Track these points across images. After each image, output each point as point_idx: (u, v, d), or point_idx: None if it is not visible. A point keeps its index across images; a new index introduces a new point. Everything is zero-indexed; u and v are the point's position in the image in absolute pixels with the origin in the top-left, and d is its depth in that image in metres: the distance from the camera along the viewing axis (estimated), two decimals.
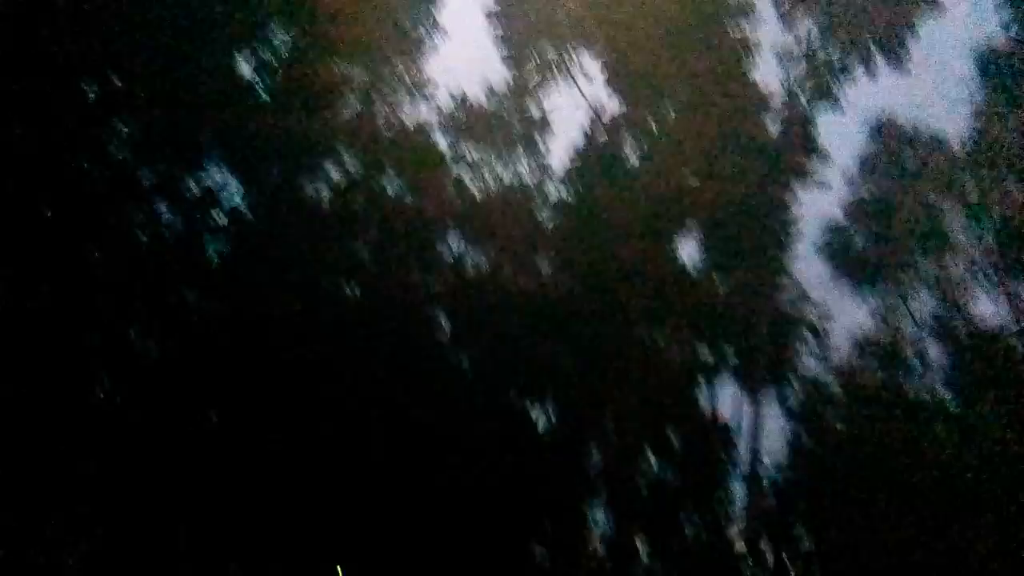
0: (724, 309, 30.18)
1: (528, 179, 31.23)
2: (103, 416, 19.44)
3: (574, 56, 31.56)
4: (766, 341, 29.73)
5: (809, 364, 31.49)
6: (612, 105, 30.67)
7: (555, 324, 27.29)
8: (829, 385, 31.02)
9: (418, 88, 30.22)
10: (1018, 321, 27.87)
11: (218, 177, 24.28)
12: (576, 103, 31.71)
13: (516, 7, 31.37)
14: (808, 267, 32.56)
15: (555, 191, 31.21)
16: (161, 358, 20.97)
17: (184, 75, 22.15)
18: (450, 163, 30.18)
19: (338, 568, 20.17)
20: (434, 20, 30.74)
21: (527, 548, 25.28)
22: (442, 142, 30.69)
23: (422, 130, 29.84)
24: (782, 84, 30.89)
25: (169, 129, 22.29)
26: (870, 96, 31.78)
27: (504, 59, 31.57)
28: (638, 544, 26.43)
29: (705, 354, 30.28)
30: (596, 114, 30.87)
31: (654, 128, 30.14)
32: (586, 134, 30.87)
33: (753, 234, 30.39)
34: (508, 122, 31.52)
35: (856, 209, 33.46)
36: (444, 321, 27.65)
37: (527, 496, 24.22)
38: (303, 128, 25.22)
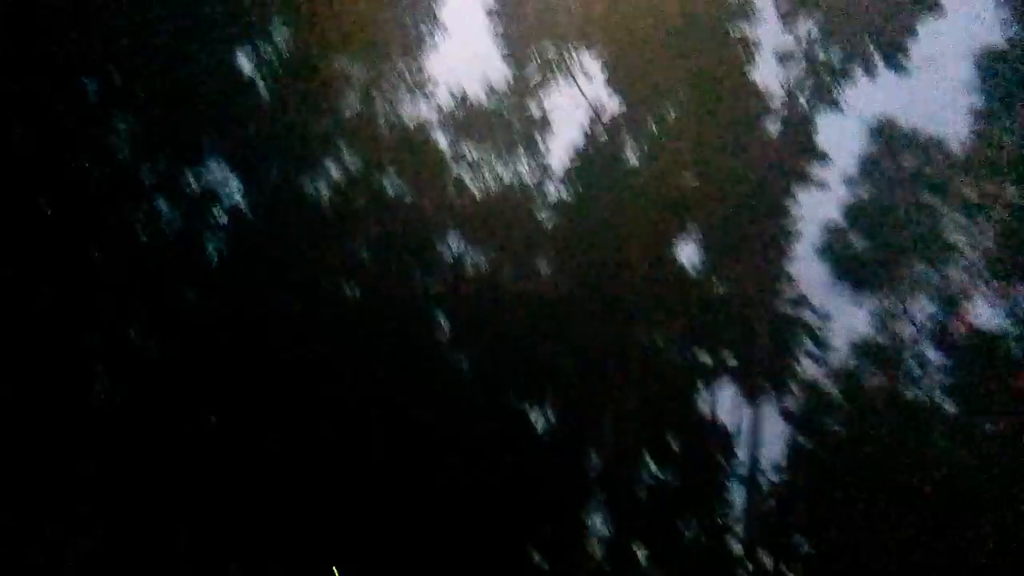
0: (723, 311, 30.16)
1: (528, 179, 31.14)
2: (103, 415, 19.35)
3: (574, 55, 31.43)
4: (765, 343, 29.69)
5: (808, 367, 31.51)
6: (612, 105, 30.61)
7: (554, 325, 27.26)
8: (828, 387, 31.01)
9: (418, 86, 30.08)
10: (1017, 324, 27.89)
11: (218, 175, 24.23)
12: (576, 102, 31.62)
13: (517, 6, 31.20)
14: (807, 269, 32.54)
15: (555, 191, 31.19)
16: (161, 357, 20.89)
17: (184, 73, 22.10)
18: (450, 162, 30.10)
19: (334, 570, 20.10)
20: (435, 18, 30.57)
21: (525, 549, 25.26)
22: (442, 141, 30.63)
23: (422, 129, 29.77)
24: (782, 85, 30.84)
25: (169, 127, 22.23)
26: (870, 98, 31.67)
27: (504, 57, 31.41)
28: (636, 547, 26.41)
29: (704, 356, 30.26)
30: (596, 114, 30.77)
31: (654, 128, 30.06)
32: (586, 134, 30.77)
33: (752, 236, 30.34)
34: (508, 121, 31.41)
35: (855, 211, 33.45)
36: (443, 321, 27.60)
37: (525, 497, 24.20)
38: (303, 126, 25.18)
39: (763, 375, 29.67)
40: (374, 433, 22.47)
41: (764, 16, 30.43)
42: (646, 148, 30.28)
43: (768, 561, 27.66)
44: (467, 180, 30.32)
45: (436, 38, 30.50)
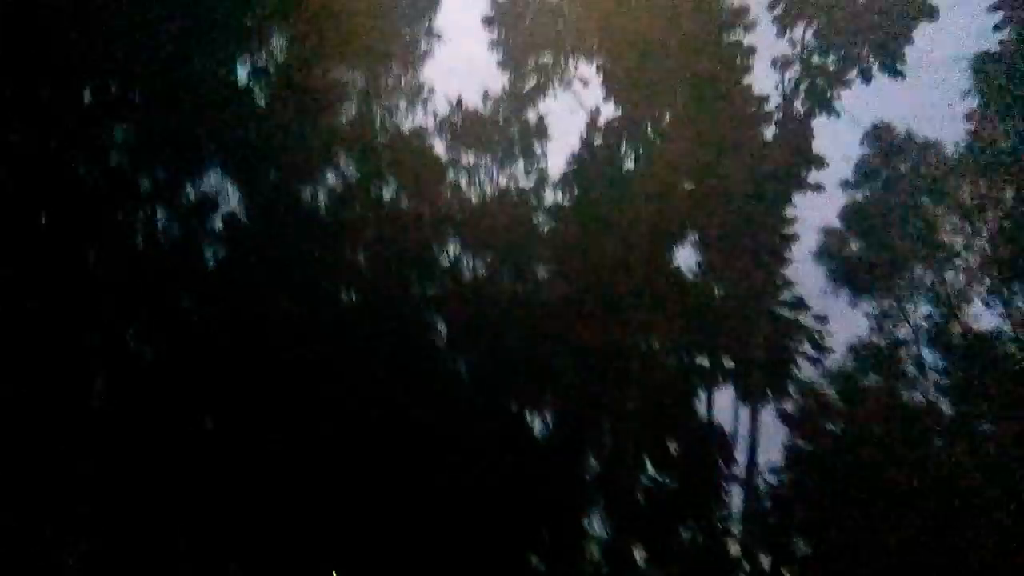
0: (721, 314, 30.20)
1: (525, 184, 31.28)
2: (101, 418, 19.45)
3: (570, 61, 31.66)
4: (763, 346, 29.75)
5: (805, 369, 31.56)
6: (608, 110, 30.81)
7: (552, 329, 27.32)
8: (825, 389, 31.06)
9: (415, 93, 30.27)
10: (1013, 325, 27.93)
11: (215, 182, 24.38)
12: (572, 108, 31.82)
13: (513, 12, 31.45)
14: (804, 272, 32.60)
15: (551, 196, 31.34)
16: (158, 361, 20.99)
17: (182, 80, 22.24)
18: (447, 168, 30.24)
19: (333, 574, 20.19)
20: (431, 25, 30.82)
21: (523, 551, 25.27)
22: (439, 147, 30.82)
23: (419, 135, 29.92)
24: (778, 89, 31.01)
25: (166, 134, 22.36)
26: (865, 101, 31.76)
27: (500, 64, 31.65)
28: (635, 548, 26.42)
29: (702, 359, 30.32)
30: (592, 119, 30.92)
31: (650, 133, 30.22)
32: (582, 139, 30.92)
33: (749, 239, 30.44)
34: (505, 127, 31.57)
35: (852, 214, 33.56)
36: (441, 326, 27.70)
37: (524, 499, 24.23)
38: (300, 133, 25.30)
39: (761, 377, 29.71)
40: (372, 436, 22.53)
41: (760, 21, 30.68)
42: (642, 153, 30.42)
43: (766, 562, 27.69)
44: (464, 186, 30.49)
45: (432, 45, 30.72)
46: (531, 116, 31.97)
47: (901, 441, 27.17)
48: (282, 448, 20.50)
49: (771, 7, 30.82)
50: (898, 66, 30.08)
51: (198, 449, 19.95)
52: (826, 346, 31.68)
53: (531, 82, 31.85)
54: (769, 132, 31.07)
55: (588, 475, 27.45)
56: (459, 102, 31.69)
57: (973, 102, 28.00)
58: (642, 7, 29.12)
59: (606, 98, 30.54)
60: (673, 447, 27.96)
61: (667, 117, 30.27)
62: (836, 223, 34.07)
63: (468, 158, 31.17)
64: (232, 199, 24.63)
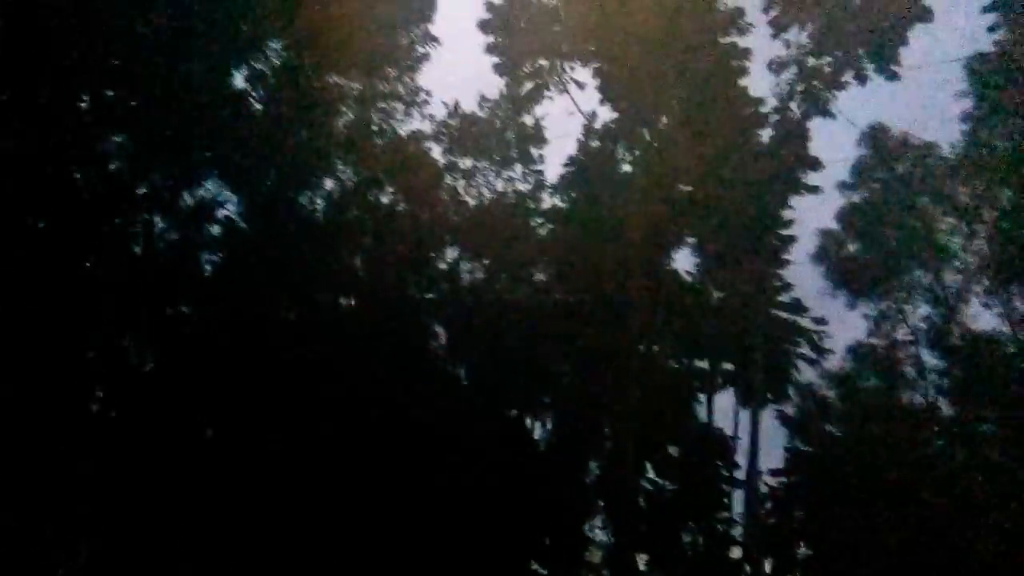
0: (719, 317, 30.20)
1: (522, 188, 31.28)
2: (100, 421, 19.40)
3: (567, 65, 31.66)
4: (762, 348, 29.71)
5: (805, 371, 31.57)
6: (605, 113, 30.82)
7: (550, 332, 27.30)
8: (825, 391, 31.07)
9: (412, 97, 30.21)
10: (1011, 326, 27.94)
11: (212, 188, 24.34)
12: (569, 111, 31.81)
13: (509, 16, 31.44)
14: (802, 274, 32.64)
15: (548, 200, 31.36)
16: (156, 366, 20.93)
17: (179, 86, 22.19)
18: (444, 172, 30.24)
19: None
20: (427, 30, 30.74)
21: (524, 556, 25.20)
22: (436, 151, 30.81)
23: (416, 139, 29.91)
24: (774, 92, 31.01)
25: (164, 140, 22.30)
26: (861, 103, 31.86)
27: (497, 68, 31.61)
28: (635, 552, 26.34)
29: (701, 362, 30.32)
30: (589, 122, 30.95)
31: (647, 136, 30.22)
32: (579, 142, 30.96)
33: (747, 242, 30.42)
34: (502, 131, 31.57)
35: (849, 215, 33.59)
36: (439, 330, 27.68)
37: (524, 503, 24.17)
38: (297, 138, 25.26)
39: (760, 380, 29.67)
40: (371, 442, 22.46)
41: (755, 24, 30.70)
42: (639, 156, 30.42)
43: (768, 566, 27.66)
44: (461, 190, 30.50)
45: (429, 50, 30.65)
46: (528, 120, 31.99)
47: (901, 442, 27.14)
48: (280, 453, 20.42)
49: (766, 9, 30.82)
50: (893, 68, 30.08)
51: (196, 452, 19.88)
52: (825, 348, 31.72)
53: (528, 86, 31.82)
54: (766, 134, 31.07)
55: (588, 479, 27.41)
56: (456, 107, 31.75)
57: (969, 103, 28.10)
58: (638, 10, 29.09)
59: (603, 101, 30.58)
60: (673, 450, 27.93)
61: (664, 120, 30.27)
62: (834, 225, 34.17)
63: (465, 162, 31.20)
64: (230, 205, 24.62)
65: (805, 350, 31.64)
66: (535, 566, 25.75)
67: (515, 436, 26.39)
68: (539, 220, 30.80)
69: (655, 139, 30.20)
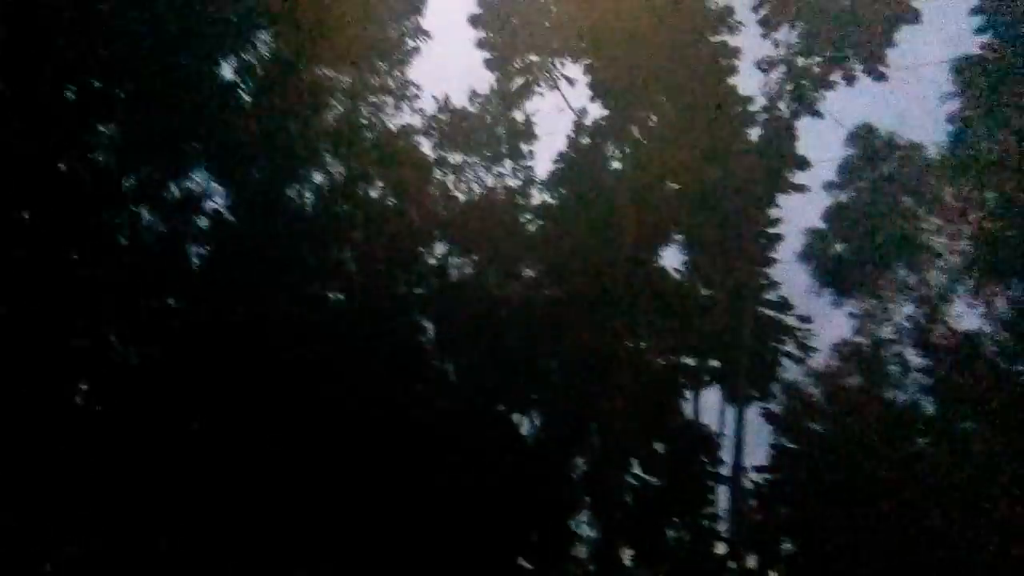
0: (706, 314, 30.31)
1: (511, 184, 31.27)
2: (86, 417, 19.27)
3: (557, 61, 31.67)
4: (748, 346, 29.87)
5: (790, 369, 31.74)
6: (594, 110, 30.85)
7: (539, 329, 27.32)
8: (810, 389, 31.27)
9: (402, 92, 30.16)
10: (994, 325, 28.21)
11: (200, 180, 24.16)
12: (559, 108, 31.82)
13: (500, 12, 31.41)
14: (789, 272, 32.80)
15: (538, 196, 31.35)
16: (143, 362, 20.80)
17: (167, 78, 22.02)
18: (434, 167, 30.18)
19: None
20: (418, 24, 30.68)
21: (511, 552, 25.25)
22: (426, 146, 30.75)
23: (406, 134, 29.84)
24: (763, 91, 31.14)
25: (151, 132, 22.13)
26: (849, 103, 32.05)
27: (487, 63, 31.60)
28: (621, 548, 26.47)
29: (688, 359, 30.43)
30: (579, 119, 30.97)
31: (636, 134, 30.28)
32: (569, 139, 30.96)
33: (734, 240, 30.56)
34: (492, 126, 31.55)
35: (835, 215, 33.81)
36: (428, 326, 27.63)
37: (512, 500, 24.22)
38: (286, 132, 25.14)
39: (746, 378, 29.84)
40: (359, 437, 22.43)
41: (744, 23, 30.79)
42: (628, 154, 30.49)
43: (752, 561, 27.83)
44: (451, 185, 30.46)
45: (419, 44, 30.59)
46: (518, 116, 32.00)
47: (884, 440, 27.38)
48: (269, 448, 20.37)
49: (756, 9, 30.95)
50: (881, 68, 30.27)
51: (186, 449, 19.78)
52: (810, 346, 31.91)
53: (518, 82, 31.84)
54: (754, 133, 31.21)
55: (575, 475, 27.48)
56: (446, 101, 31.70)
57: (955, 104, 28.32)
58: (629, 8, 29.13)
59: (593, 98, 30.59)
60: (659, 447, 28.03)
61: (653, 118, 30.34)
62: (820, 224, 34.35)
63: (455, 158, 31.16)
64: (218, 198, 24.46)
65: (791, 348, 31.79)
66: (521, 561, 25.77)
67: (503, 432, 26.40)
68: (529, 216, 30.80)
69: (644, 136, 30.27)
